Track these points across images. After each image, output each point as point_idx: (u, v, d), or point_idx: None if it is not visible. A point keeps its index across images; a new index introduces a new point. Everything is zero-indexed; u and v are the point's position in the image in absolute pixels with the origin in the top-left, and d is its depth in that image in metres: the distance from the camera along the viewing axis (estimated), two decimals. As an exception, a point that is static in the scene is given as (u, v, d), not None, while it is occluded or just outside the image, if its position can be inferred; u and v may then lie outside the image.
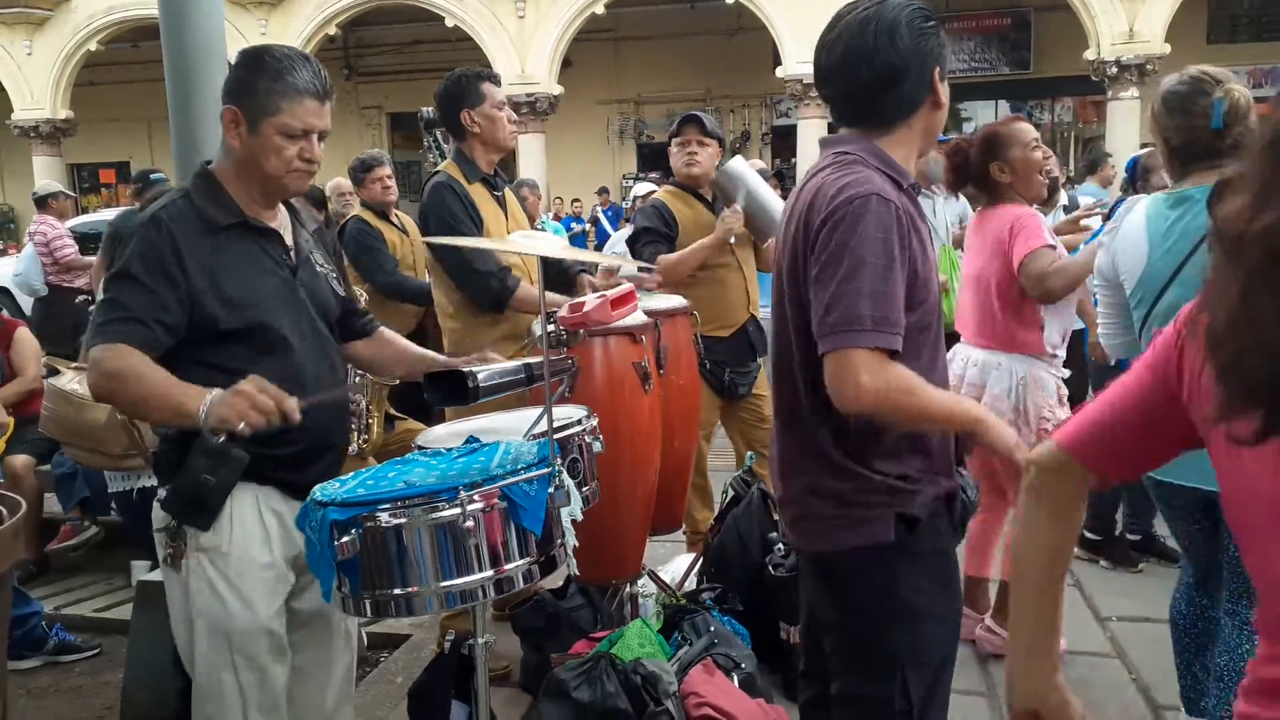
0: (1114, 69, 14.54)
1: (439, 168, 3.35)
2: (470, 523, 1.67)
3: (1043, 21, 16.96)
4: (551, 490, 1.76)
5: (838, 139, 1.79)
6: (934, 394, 1.64)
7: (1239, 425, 0.90)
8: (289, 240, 2.08)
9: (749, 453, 3.72)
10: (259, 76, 1.92)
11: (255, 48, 1.99)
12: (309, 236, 2.15)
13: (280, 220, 2.08)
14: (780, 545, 3.16)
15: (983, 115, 16.78)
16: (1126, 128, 14.32)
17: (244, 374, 1.80)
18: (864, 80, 1.70)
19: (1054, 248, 3.05)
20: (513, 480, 1.72)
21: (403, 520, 1.70)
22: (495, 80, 3.33)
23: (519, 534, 1.75)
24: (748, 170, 3.73)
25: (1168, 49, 14.32)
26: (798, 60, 15.21)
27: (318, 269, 2.12)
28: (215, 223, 1.93)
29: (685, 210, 3.79)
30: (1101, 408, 1.21)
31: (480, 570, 1.71)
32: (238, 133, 1.94)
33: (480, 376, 1.86)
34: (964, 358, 3.40)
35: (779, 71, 15.73)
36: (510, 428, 2.20)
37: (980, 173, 3.21)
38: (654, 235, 3.79)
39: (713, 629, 2.94)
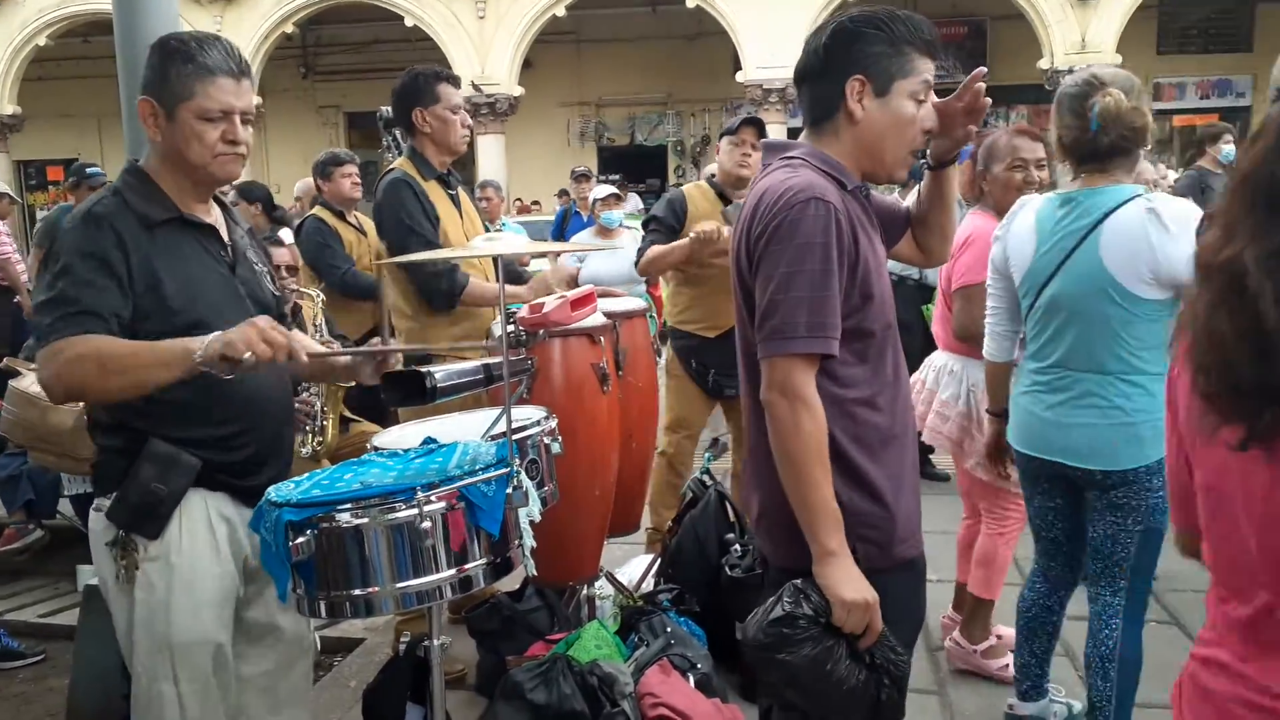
0: (1067, 78, 14.80)
1: (393, 165, 3.34)
2: (427, 523, 1.67)
3: (998, 31, 17.24)
4: (509, 491, 1.76)
5: (782, 144, 1.80)
6: (823, 474, 1.59)
7: (1227, 433, 1.00)
8: (225, 236, 2.02)
9: (705, 454, 3.74)
10: (169, 63, 1.86)
11: (163, 35, 1.93)
12: (243, 234, 2.10)
13: (214, 216, 2.02)
14: (737, 546, 3.18)
15: (939, 123, 16.97)
16: (1078, 136, 14.56)
17: (183, 381, 1.75)
18: (798, 66, 1.75)
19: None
20: (470, 481, 1.72)
21: (359, 521, 1.69)
22: (454, 82, 3.31)
23: (476, 535, 1.74)
24: None
25: (1119, 59, 14.60)
26: (757, 65, 15.31)
27: (255, 266, 2.08)
28: (150, 219, 1.87)
29: (703, 206, 3.82)
30: (1168, 476, 1.28)
31: (438, 571, 1.71)
32: (156, 125, 1.88)
33: (438, 376, 1.85)
34: (928, 363, 3.45)
35: (739, 76, 15.81)
36: (468, 429, 2.19)
37: (972, 175, 3.30)
38: (659, 225, 3.88)
39: (669, 630, 2.95)
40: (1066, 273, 2.45)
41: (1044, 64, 15.10)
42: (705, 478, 3.52)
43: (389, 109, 3.69)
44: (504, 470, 1.76)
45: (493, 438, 2.00)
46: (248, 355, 1.67)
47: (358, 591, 1.71)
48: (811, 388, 1.61)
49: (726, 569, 3.12)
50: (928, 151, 1.86)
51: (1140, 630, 2.59)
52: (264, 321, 1.73)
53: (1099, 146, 2.40)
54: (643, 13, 17.64)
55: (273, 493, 1.76)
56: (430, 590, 1.71)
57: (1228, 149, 6.20)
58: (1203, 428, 1.03)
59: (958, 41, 17.58)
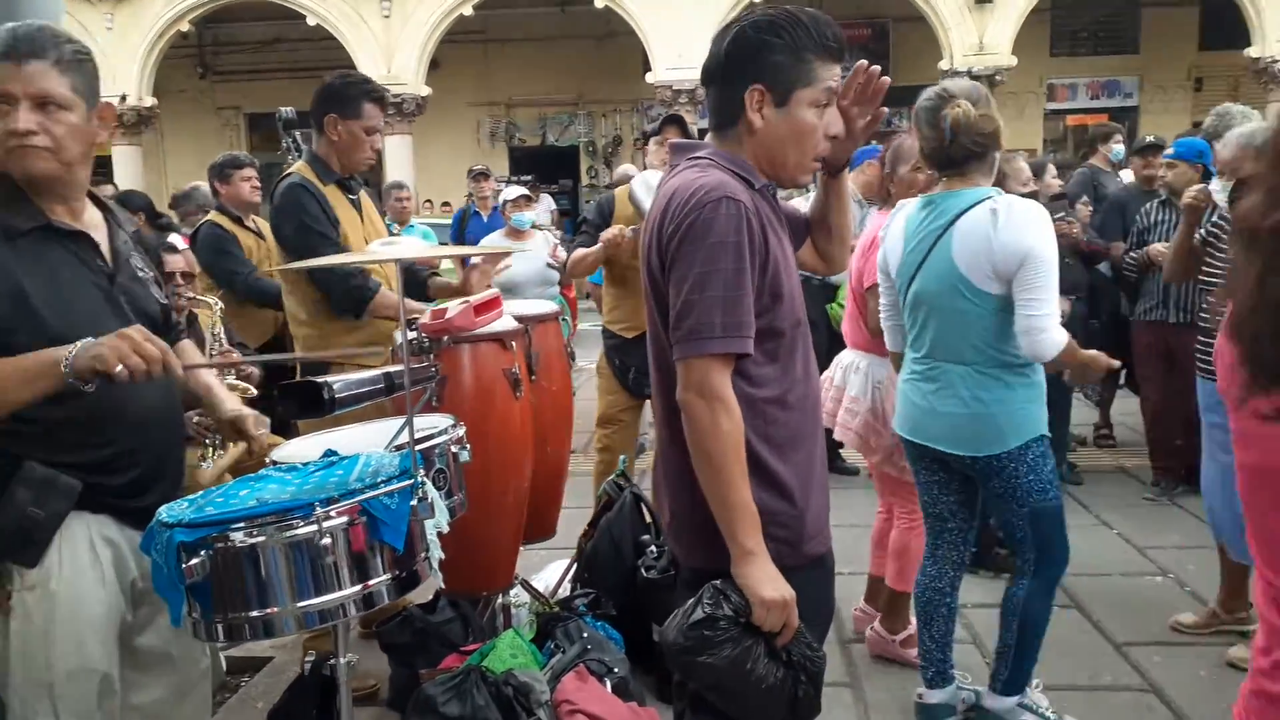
0: (966, 79, 15.23)
1: (290, 168, 3.25)
2: (327, 540, 1.61)
3: (900, 32, 17.66)
4: (414, 503, 1.71)
5: (690, 144, 1.80)
6: (741, 473, 1.59)
7: (1262, 402, 0.97)
8: (104, 244, 1.88)
9: (621, 456, 3.73)
10: None
11: None
12: (127, 238, 1.96)
13: (90, 221, 1.87)
14: (653, 548, 3.18)
15: (845, 122, 17.34)
16: (977, 135, 15.03)
17: (59, 402, 1.65)
18: (703, 67, 1.73)
19: None
20: (372, 494, 1.66)
21: (256, 540, 1.62)
22: (381, 104, 3.25)
23: (380, 550, 1.69)
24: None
25: (1014, 61, 15.12)
26: (667, 66, 15.38)
27: (138, 273, 1.94)
28: (14, 229, 1.73)
29: (629, 207, 3.86)
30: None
31: (340, 588, 1.65)
32: None
33: (336, 387, 1.79)
34: (837, 361, 3.50)
35: (649, 77, 15.87)
36: (372, 439, 2.13)
37: (880, 177, 3.42)
38: (587, 228, 4.01)
39: (586, 635, 2.93)
40: (926, 271, 2.64)
41: (944, 65, 15.51)
42: (621, 480, 3.51)
43: (289, 110, 3.59)
44: (408, 482, 1.71)
45: (396, 448, 1.95)
46: (119, 369, 1.58)
47: (256, 613, 1.64)
48: (729, 387, 1.60)
49: (642, 571, 3.11)
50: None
51: (1049, 600, 2.75)
52: (137, 332, 1.63)
53: (954, 154, 2.59)
54: (552, 13, 17.56)
55: (164, 513, 1.68)
56: (333, 609, 1.65)
57: (1118, 148, 6.45)
58: (1230, 396, 1.00)
59: (862, 43, 17.94)
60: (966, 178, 2.61)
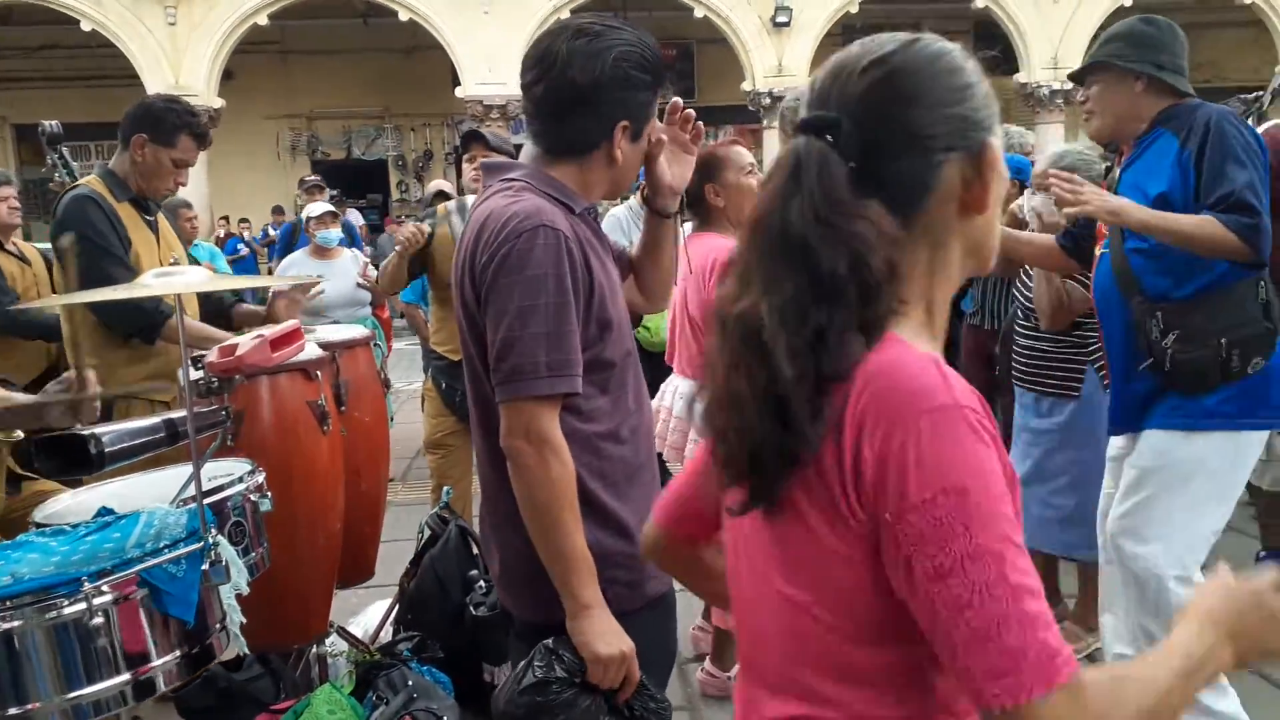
0: (767, 99, 15.82)
1: (79, 182, 2.97)
2: (99, 619, 1.39)
3: (705, 54, 18.14)
4: (205, 568, 1.51)
5: (503, 164, 1.68)
6: (574, 522, 1.50)
7: (730, 496, 0.95)
8: None
9: (445, 487, 3.55)
10: None
11: None
12: None
13: None
14: (482, 583, 3.03)
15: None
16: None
17: None
18: (548, 89, 1.57)
19: None
20: (153, 562, 1.45)
21: (12, 624, 1.39)
22: (201, 139, 3.04)
23: (165, 624, 1.48)
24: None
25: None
26: (477, 81, 15.17)
27: None
28: None
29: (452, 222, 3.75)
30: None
31: (116, 674, 1.43)
32: None
33: (105, 439, 1.55)
34: (673, 389, 3.41)
35: (458, 92, 15.59)
36: (156, 491, 1.89)
37: (695, 194, 3.20)
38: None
39: (411, 683, 2.75)
40: None
41: (747, 86, 16.06)
42: (445, 512, 3.34)
43: (54, 124, 3.29)
44: (196, 546, 1.50)
45: (184, 502, 1.73)
46: None
47: (15, 710, 1.40)
48: (558, 430, 1.49)
49: (471, 608, 2.95)
50: (646, 194, 1.81)
51: None
52: None
53: None
54: (354, 24, 16.99)
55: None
56: (109, 699, 1.43)
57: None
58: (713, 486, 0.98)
59: (669, 63, 18.29)
60: None
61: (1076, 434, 3.33)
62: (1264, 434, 2.55)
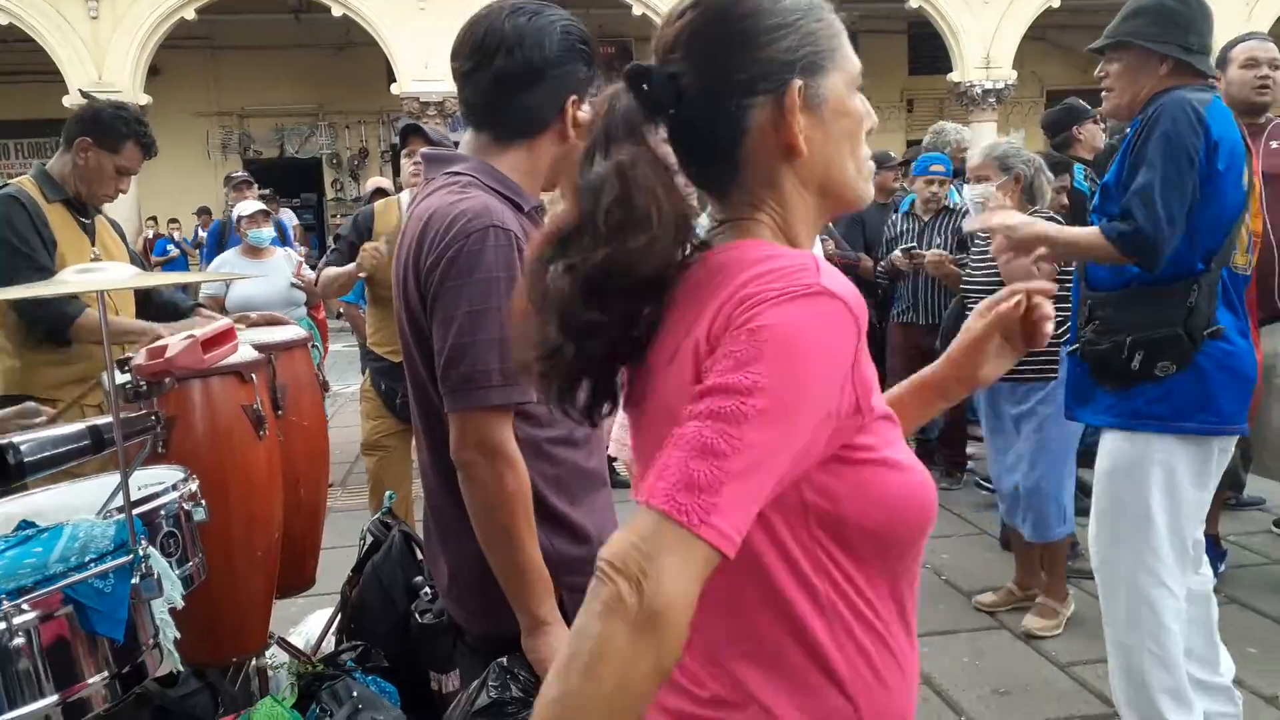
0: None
1: (9, 182, 2.91)
2: (20, 639, 1.30)
3: (643, 52, 17.92)
4: (135, 581, 1.42)
5: (448, 156, 1.60)
6: (530, 535, 1.44)
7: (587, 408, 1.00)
8: None
9: (388, 492, 3.47)
10: None
11: None
12: None
13: None
14: (427, 589, 2.95)
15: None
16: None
17: None
18: (498, 70, 1.51)
19: None
20: (78, 578, 1.37)
21: (-78, 647, 1.29)
22: (147, 149, 2.99)
23: (93, 643, 1.39)
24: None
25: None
26: (412, 78, 14.95)
27: None
28: None
29: (391, 221, 3.72)
30: None
31: (42, 697, 1.34)
32: None
33: (24, 448, 1.46)
34: None
35: (394, 88, 15.35)
36: (82, 502, 1.79)
37: None
38: (339, 245, 3.89)
39: (355, 694, 2.69)
40: None
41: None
42: (388, 518, 3.25)
43: None
44: (125, 559, 1.42)
45: (111, 514, 1.64)
46: None
47: (-73, 739, 1.30)
48: (512, 441, 1.43)
49: (417, 616, 2.87)
50: None
51: None
52: None
53: None
54: (285, 20, 16.62)
55: None
56: (31, 724, 1.34)
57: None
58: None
59: (606, 60, 18.26)
60: None
61: (1055, 412, 3.32)
62: (1218, 440, 2.43)
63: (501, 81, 1.52)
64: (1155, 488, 2.40)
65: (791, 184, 0.96)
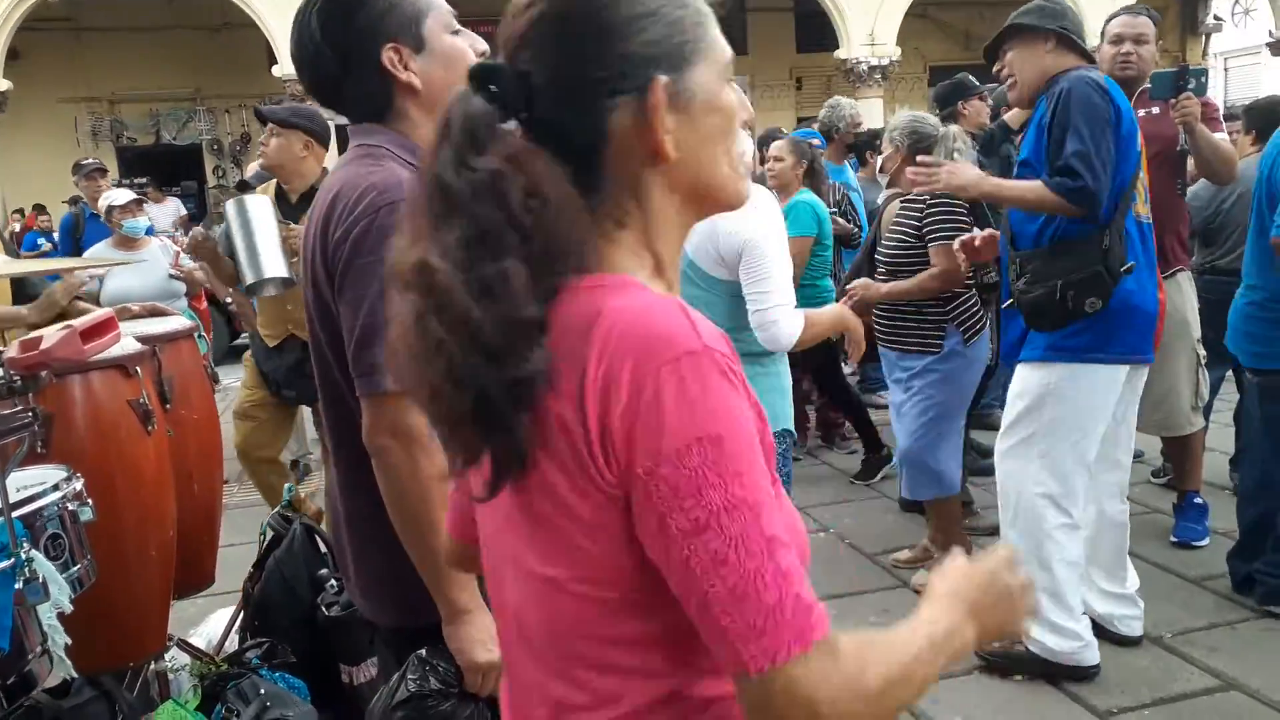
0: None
1: None
2: (-108, 654, 1.22)
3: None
4: (19, 586, 1.35)
5: (367, 128, 1.54)
6: (440, 518, 1.40)
7: (475, 481, 0.87)
8: None
9: (286, 485, 3.38)
10: None
11: None
12: None
13: None
14: (333, 582, 2.89)
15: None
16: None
17: None
18: (310, 81, 1.49)
19: None
20: (-45, 584, 1.29)
21: None
22: None
23: (-26, 653, 1.32)
24: (253, 211, 3.41)
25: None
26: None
27: None
28: None
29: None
30: None
31: (-83, 713, 1.26)
32: None
33: (-114, 451, 1.37)
34: None
35: (275, 71, 14.82)
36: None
37: None
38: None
39: (263, 691, 2.63)
40: None
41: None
42: (287, 511, 3.17)
43: None
44: (7, 562, 1.34)
45: (-10, 517, 1.54)
46: None
47: None
48: (424, 424, 1.38)
49: (323, 609, 2.82)
50: None
51: None
52: None
53: None
54: (156, 2, 15.87)
55: None
56: (-91, 742, 1.26)
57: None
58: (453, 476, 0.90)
59: (489, 39, 18.05)
60: None
61: (933, 377, 3.59)
62: (1120, 369, 2.79)
63: (320, 90, 1.51)
64: (1061, 411, 2.76)
65: (660, 191, 0.88)
